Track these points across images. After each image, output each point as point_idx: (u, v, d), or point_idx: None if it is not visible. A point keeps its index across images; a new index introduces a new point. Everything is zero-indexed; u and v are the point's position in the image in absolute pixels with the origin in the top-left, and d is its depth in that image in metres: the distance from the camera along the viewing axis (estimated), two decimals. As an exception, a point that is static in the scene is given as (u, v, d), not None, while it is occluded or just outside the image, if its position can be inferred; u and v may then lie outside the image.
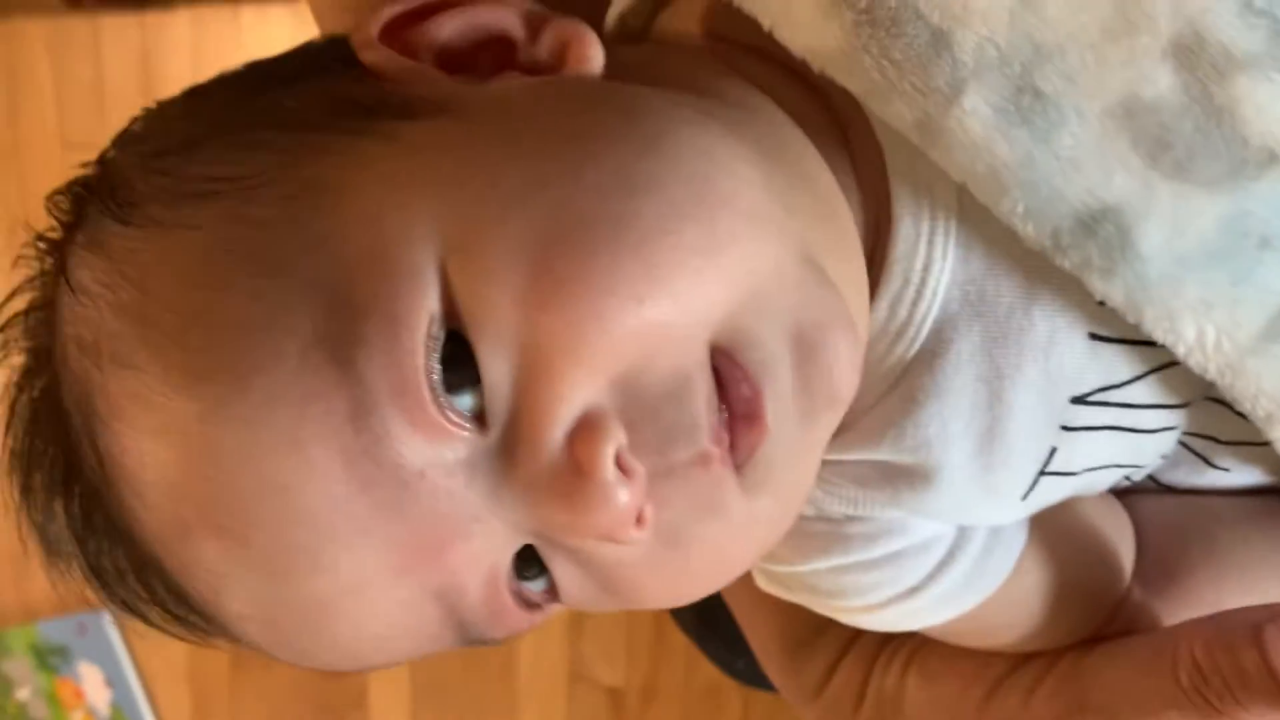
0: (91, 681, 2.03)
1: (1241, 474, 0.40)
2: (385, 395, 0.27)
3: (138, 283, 0.30)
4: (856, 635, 0.43)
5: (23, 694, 2.05)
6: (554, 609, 0.33)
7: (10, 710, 2.06)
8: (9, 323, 0.34)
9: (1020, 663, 0.39)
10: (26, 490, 0.34)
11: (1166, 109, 0.30)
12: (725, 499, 0.30)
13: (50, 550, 0.34)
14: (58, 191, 0.34)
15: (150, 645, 2.01)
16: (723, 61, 0.34)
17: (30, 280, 0.34)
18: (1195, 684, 0.34)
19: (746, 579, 0.41)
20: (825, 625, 0.43)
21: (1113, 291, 0.31)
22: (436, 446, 0.28)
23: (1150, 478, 0.41)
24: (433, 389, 0.28)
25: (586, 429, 0.28)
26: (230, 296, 0.28)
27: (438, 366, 0.28)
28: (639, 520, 0.29)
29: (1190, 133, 0.30)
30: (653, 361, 0.29)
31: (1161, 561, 0.40)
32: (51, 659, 2.04)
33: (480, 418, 0.29)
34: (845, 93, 0.32)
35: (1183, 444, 0.39)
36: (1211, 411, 0.37)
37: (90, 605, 2.19)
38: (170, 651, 1.99)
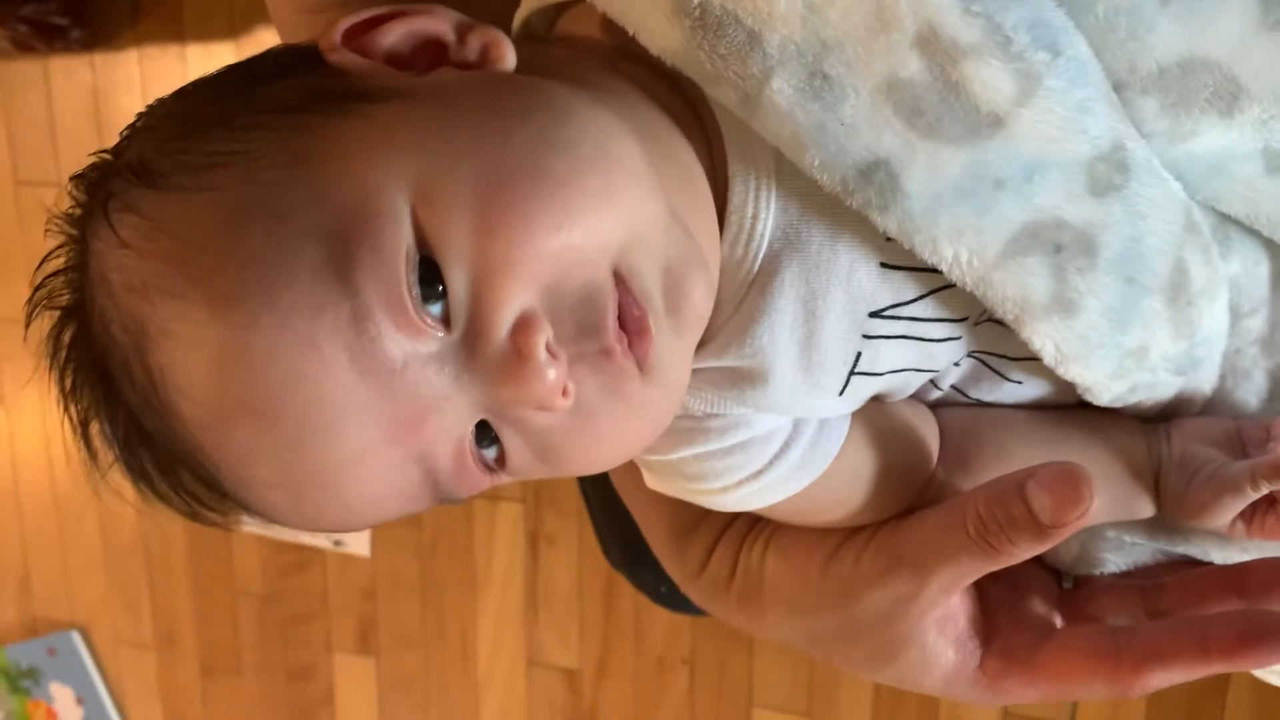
0: (63, 701, 2.06)
1: (1032, 386, 0.48)
2: (377, 304, 0.35)
3: (174, 234, 0.37)
4: (728, 524, 0.51)
5: (-4, 718, 2.08)
6: (503, 478, 0.41)
7: (-16, 735, 2.08)
8: (45, 282, 0.42)
9: (852, 534, 0.47)
10: (79, 412, 0.41)
11: (918, 85, 0.38)
12: (626, 385, 0.38)
13: (93, 458, 0.42)
14: (79, 175, 0.41)
15: (121, 661, 2.06)
16: (605, 63, 0.43)
17: (59, 248, 0.41)
18: (979, 531, 0.43)
19: (641, 486, 0.50)
20: (702, 517, 0.51)
21: (889, 223, 0.39)
22: (415, 343, 0.36)
23: (958, 390, 0.49)
24: (412, 298, 0.36)
25: (524, 325, 0.36)
26: (252, 238, 0.36)
27: (415, 282, 0.36)
28: (564, 392, 0.37)
29: (936, 103, 0.38)
30: (570, 275, 0.37)
31: (960, 455, 0.49)
32: (23, 682, 2.06)
33: (446, 321, 0.36)
34: (692, 82, 0.41)
35: (980, 360, 0.47)
36: (996, 331, 0.45)
37: (58, 626, 2.22)
38: (141, 666, 2.03)
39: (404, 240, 0.36)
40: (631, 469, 0.50)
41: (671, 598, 0.57)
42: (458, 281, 0.36)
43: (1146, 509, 0.49)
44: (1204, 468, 0.47)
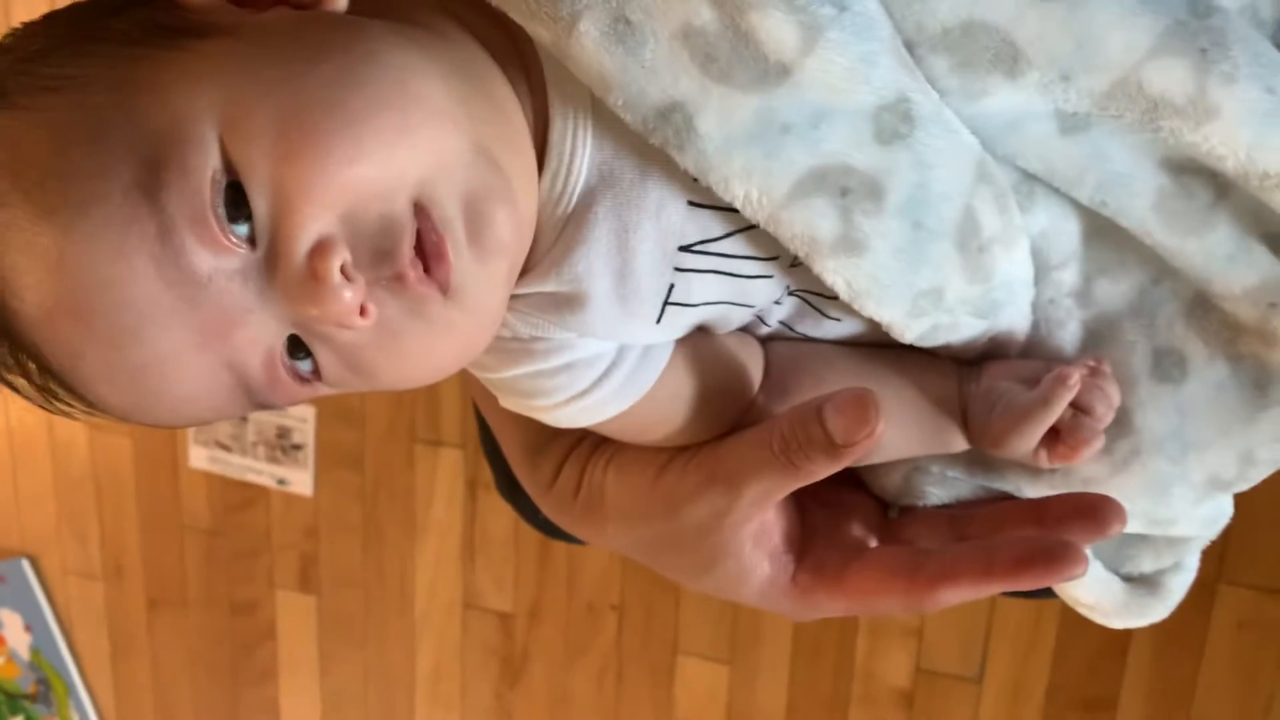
0: (12, 627, 2.09)
1: (850, 324, 0.51)
2: (181, 221, 0.38)
3: (9, 148, 0.40)
4: (576, 442, 0.54)
5: (-56, 642, 2.11)
6: (322, 389, 0.44)
7: (-67, 658, 2.11)
8: None
9: (680, 452, 0.51)
10: None
11: (710, 33, 0.41)
12: (427, 307, 0.41)
13: None
14: None
15: (70, 590, 2.09)
16: (438, 3, 0.46)
17: None
18: (783, 449, 0.47)
19: (499, 407, 0.53)
20: (553, 435, 0.55)
21: (687, 162, 0.42)
22: (219, 259, 0.39)
23: (786, 326, 0.53)
24: (215, 216, 0.39)
25: (319, 249, 0.39)
26: (74, 156, 0.39)
27: (220, 202, 0.39)
28: (363, 312, 0.40)
29: (728, 50, 0.41)
30: (366, 206, 0.39)
31: (781, 385, 0.52)
32: (-28, 608, 2.10)
33: (253, 241, 0.39)
34: (518, 24, 0.43)
35: (802, 298, 0.51)
36: (811, 271, 0.46)
37: (8, 554, 2.24)
38: (89, 595, 2.06)
39: (209, 164, 0.39)
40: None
41: (547, 523, 0.61)
42: (260, 205, 0.39)
43: (958, 443, 0.53)
44: (1002, 399, 0.51)
